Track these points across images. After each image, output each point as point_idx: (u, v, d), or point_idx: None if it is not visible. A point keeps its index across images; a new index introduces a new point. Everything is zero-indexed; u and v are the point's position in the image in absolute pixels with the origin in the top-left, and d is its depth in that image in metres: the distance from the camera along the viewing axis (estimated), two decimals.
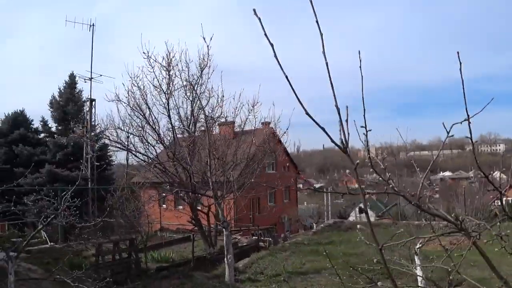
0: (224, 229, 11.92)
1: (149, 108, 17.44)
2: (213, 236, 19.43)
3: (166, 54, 16.32)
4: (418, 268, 10.21)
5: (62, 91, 30.12)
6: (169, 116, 17.66)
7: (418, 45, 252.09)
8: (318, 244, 15.82)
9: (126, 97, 17.13)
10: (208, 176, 12.18)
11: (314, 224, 38.50)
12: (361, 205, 72.35)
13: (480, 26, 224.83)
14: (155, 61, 16.37)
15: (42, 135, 30.75)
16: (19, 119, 29.38)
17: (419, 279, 9.99)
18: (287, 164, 46.62)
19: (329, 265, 13.01)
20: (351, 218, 60.79)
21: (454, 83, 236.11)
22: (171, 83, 16.66)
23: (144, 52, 16.31)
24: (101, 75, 26.40)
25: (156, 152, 18.71)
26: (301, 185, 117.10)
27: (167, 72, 16.45)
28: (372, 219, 63.48)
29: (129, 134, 17.77)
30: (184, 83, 16.76)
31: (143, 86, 16.91)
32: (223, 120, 15.94)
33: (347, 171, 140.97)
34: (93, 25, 27.57)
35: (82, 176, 27.12)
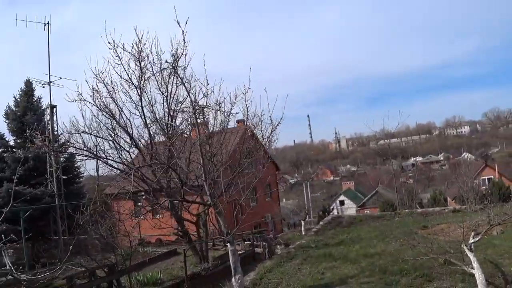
0: (229, 244, 9.70)
1: (118, 107, 14.92)
2: (205, 249, 17.15)
3: (136, 42, 13.85)
4: (476, 267, 8.35)
5: (18, 99, 26.92)
6: (143, 114, 15.20)
7: (381, 37, 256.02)
8: (328, 246, 13.81)
9: (91, 96, 14.55)
10: (203, 179, 9.94)
11: (302, 221, 36.51)
12: (342, 197, 71.38)
13: (441, 14, 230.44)
14: (123, 49, 13.82)
15: (0, 150, 27.46)
16: None
17: (478, 280, 8.12)
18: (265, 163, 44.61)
19: (354, 271, 11.06)
20: (334, 211, 59.49)
21: (417, 71, 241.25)
22: (143, 76, 14.23)
23: (109, 42, 13.80)
24: (60, 78, 23.60)
25: (131, 157, 16.25)
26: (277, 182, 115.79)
27: (138, 63, 13.99)
28: (353, 210, 62.38)
29: (97, 138, 15.17)
30: (157, 74, 14.42)
31: (111, 82, 14.39)
32: (212, 109, 13.62)
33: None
34: (48, 23, 24.67)
35: (47, 193, 24.24)
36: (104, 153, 15.60)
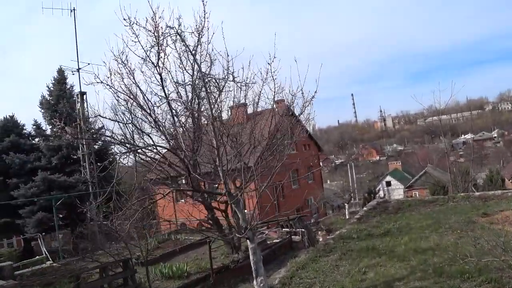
0: (248, 241, 8.15)
1: (138, 88, 13.54)
2: (236, 238, 15.76)
3: (152, 17, 12.31)
4: None
5: (52, 88, 26.53)
6: (165, 95, 13.77)
7: (423, 10, 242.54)
8: (372, 237, 11.97)
9: (108, 77, 13.23)
10: (217, 164, 8.43)
11: (346, 204, 34.55)
12: (388, 178, 68.21)
13: None
14: (137, 24, 12.32)
15: (37, 139, 27.29)
16: (9, 125, 25.92)
17: None
18: (308, 143, 42.70)
19: (402, 272, 9.21)
20: (380, 193, 56.76)
21: (465, 44, 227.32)
22: (162, 52, 12.71)
23: (124, 18, 12.35)
24: (89, 64, 22.74)
25: (156, 143, 14.97)
26: (321, 163, 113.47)
27: (155, 39, 12.46)
28: (400, 191, 59.26)
29: (120, 123, 13.93)
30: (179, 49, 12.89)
31: (127, 62, 13.02)
32: (231, 82, 11.87)
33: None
34: (73, 9, 23.93)
35: (81, 180, 23.69)
36: (128, 138, 14.41)
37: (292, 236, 17.77)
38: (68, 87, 26.97)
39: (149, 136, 14.69)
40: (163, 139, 15.03)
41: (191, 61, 8.45)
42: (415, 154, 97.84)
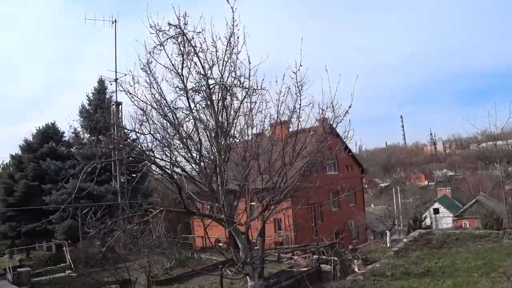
0: (248, 278, 6.81)
1: (163, 97, 12.54)
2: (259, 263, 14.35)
3: (177, 24, 11.34)
4: None
5: (91, 98, 26.59)
6: (189, 106, 12.72)
7: (486, 23, 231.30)
8: (408, 276, 10.23)
9: (131, 86, 12.34)
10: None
11: (387, 231, 32.15)
12: (436, 205, 64.16)
13: None
14: (162, 32, 11.42)
15: (75, 147, 27.35)
16: (49, 133, 26.15)
17: None
18: (350, 164, 40.67)
19: None
20: (427, 220, 53.22)
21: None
22: (188, 60, 11.67)
23: (151, 26, 11.46)
24: (125, 74, 22.40)
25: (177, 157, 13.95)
26: (366, 186, 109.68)
27: (179, 45, 11.46)
28: (449, 220, 55.40)
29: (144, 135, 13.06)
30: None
31: (154, 71, 12.06)
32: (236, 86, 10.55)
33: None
34: (115, 21, 23.85)
35: (111, 190, 23.22)
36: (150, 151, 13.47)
37: (322, 265, 16.14)
38: (108, 97, 26.93)
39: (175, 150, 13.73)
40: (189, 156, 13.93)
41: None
42: (466, 181, 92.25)
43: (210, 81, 8.04)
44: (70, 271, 17.67)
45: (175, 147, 13.52)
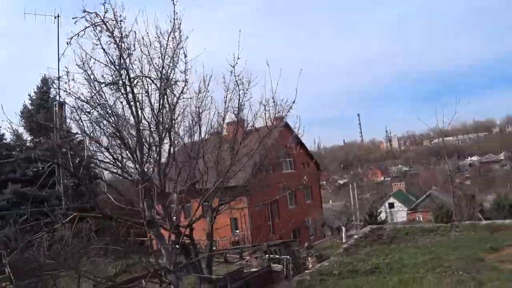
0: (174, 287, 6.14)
1: (100, 94, 11.61)
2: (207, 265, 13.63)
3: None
4: None
5: (33, 97, 24.95)
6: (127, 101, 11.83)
7: (439, 29, 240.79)
8: (356, 274, 9.86)
9: (66, 83, 11.31)
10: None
11: (343, 227, 32.26)
12: (391, 200, 65.63)
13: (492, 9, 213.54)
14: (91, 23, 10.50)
15: (17, 150, 25.61)
16: None
17: None
18: (306, 161, 40.54)
19: None
20: (382, 214, 54.20)
21: (473, 67, 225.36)
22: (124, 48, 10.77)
23: (86, 20, 10.52)
24: (68, 72, 21.05)
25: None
26: (324, 183, 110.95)
27: (113, 39, 10.56)
28: (403, 214, 56.66)
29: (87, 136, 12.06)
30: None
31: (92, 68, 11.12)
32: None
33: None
34: (58, 16, 22.40)
35: (54, 195, 21.83)
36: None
37: (274, 265, 15.64)
38: (52, 96, 25.38)
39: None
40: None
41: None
42: (419, 176, 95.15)
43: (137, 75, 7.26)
44: (9, 283, 16.27)
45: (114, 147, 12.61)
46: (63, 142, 13.97)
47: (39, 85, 25.47)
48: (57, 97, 24.67)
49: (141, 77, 7.10)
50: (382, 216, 52.65)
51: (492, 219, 27.37)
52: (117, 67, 6.46)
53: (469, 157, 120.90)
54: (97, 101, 9.38)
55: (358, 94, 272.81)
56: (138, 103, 7.31)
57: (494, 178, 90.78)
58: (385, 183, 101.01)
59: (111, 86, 7.06)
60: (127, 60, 8.36)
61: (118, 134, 9.56)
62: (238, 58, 9.46)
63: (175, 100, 11.49)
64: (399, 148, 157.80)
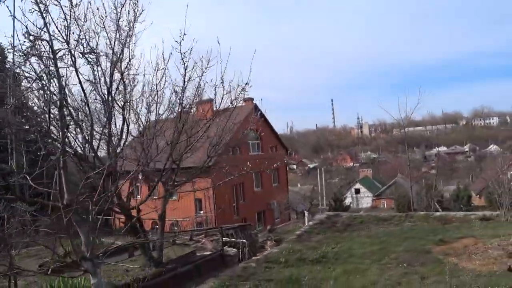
0: (91, 277, 5.69)
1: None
2: (158, 250, 13.21)
3: None
4: None
5: None
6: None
7: (409, 25, 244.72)
8: (302, 262, 9.65)
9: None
10: None
11: (305, 211, 32.37)
12: (357, 185, 66.53)
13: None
14: None
15: None
16: None
17: None
18: (275, 145, 40.33)
19: None
20: (348, 200, 54.90)
21: (444, 60, 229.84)
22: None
23: None
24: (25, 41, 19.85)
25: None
26: (295, 166, 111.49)
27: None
28: (369, 200, 57.54)
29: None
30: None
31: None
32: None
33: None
34: None
35: (6, 170, 20.77)
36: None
37: (229, 249, 15.38)
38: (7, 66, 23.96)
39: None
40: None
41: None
42: (387, 163, 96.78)
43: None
44: None
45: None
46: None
47: None
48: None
49: (67, 50, 6.46)
50: (348, 201, 53.39)
51: (450, 210, 27.94)
52: (33, 37, 5.78)
53: (436, 148, 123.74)
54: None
55: (336, 81, 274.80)
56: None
57: (458, 168, 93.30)
58: (354, 169, 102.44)
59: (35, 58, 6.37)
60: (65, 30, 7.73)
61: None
62: (185, 34, 8.94)
63: (130, 77, 10.91)
64: (370, 135, 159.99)
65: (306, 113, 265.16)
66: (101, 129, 11.22)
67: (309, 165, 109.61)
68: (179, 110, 13.03)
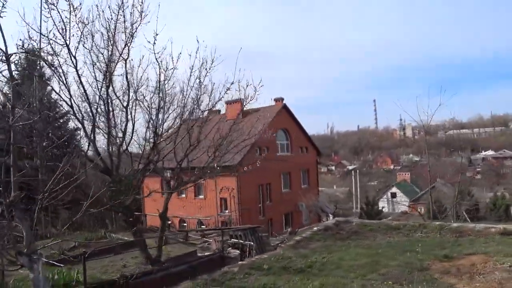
0: (30, 271, 5.48)
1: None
2: (158, 245, 13.08)
3: None
4: None
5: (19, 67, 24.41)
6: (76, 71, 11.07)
7: (455, 18, 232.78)
8: (285, 271, 9.07)
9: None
10: None
11: (330, 214, 31.45)
12: (394, 189, 64.19)
13: None
14: None
15: None
16: None
17: None
18: (305, 146, 39.48)
19: None
20: (382, 204, 53.09)
21: (493, 56, 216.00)
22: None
23: None
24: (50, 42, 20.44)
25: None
26: (333, 168, 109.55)
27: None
28: (405, 205, 55.19)
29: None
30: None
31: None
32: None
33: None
34: None
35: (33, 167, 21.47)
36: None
37: (233, 250, 15.01)
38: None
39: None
40: None
41: None
42: (427, 167, 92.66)
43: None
44: None
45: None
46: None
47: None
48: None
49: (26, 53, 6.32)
50: (381, 205, 51.57)
51: (487, 220, 26.13)
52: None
53: (483, 151, 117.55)
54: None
55: (377, 79, 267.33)
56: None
57: (505, 174, 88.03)
58: (395, 171, 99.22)
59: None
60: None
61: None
62: (157, 34, 8.73)
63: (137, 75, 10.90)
64: (413, 137, 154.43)
65: (348, 112, 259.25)
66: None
67: (348, 167, 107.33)
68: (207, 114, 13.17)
